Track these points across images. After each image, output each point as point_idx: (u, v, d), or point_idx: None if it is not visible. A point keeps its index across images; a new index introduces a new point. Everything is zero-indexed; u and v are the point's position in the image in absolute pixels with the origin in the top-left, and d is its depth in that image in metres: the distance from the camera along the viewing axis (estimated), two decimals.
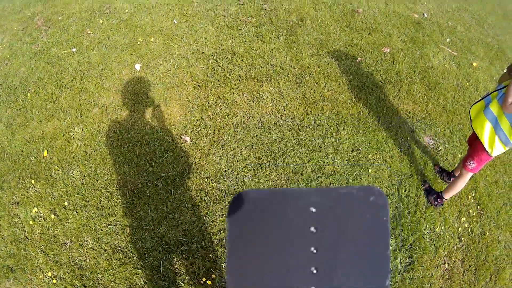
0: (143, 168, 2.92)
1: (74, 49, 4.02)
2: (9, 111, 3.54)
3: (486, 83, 4.28)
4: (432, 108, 3.68)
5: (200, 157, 2.96)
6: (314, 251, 0.44)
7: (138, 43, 3.99)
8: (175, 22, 4.27)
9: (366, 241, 0.45)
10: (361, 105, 3.48)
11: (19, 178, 2.95)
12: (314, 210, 0.45)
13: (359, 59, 3.94)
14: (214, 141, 3.06)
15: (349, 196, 0.46)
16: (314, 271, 0.44)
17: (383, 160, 3.15)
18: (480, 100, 2.37)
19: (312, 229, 0.45)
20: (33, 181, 2.91)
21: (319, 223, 0.45)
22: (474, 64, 4.52)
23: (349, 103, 3.46)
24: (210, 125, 3.17)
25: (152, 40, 4.02)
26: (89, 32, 4.24)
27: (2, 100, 3.67)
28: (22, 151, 3.15)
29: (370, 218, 0.45)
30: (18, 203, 2.81)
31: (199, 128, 3.16)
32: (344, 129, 3.25)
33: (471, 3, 6.44)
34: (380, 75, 3.84)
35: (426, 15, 5.18)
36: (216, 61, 3.73)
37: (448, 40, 4.85)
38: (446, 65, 4.33)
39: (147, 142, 3.06)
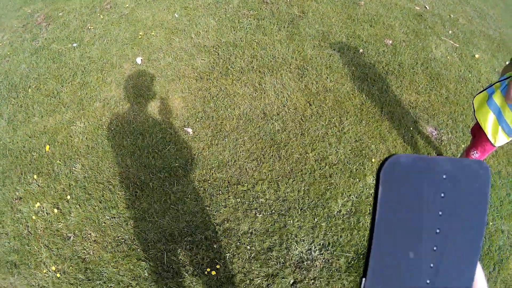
0: (146, 160, 2.90)
1: (75, 45, 4.00)
2: (10, 108, 3.52)
3: (488, 74, 4.25)
4: (435, 99, 3.65)
5: (203, 149, 2.94)
6: (440, 213, 0.50)
7: (139, 37, 3.96)
8: (176, 16, 4.24)
9: (472, 207, 0.51)
10: (363, 95, 3.45)
11: (22, 174, 2.94)
12: (445, 176, 0.50)
13: (361, 50, 3.91)
14: (216, 133, 3.04)
15: (468, 167, 0.51)
16: (438, 231, 0.50)
17: (386, 150, 3.12)
18: (483, 90, 2.36)
19: (442, 194, 0.50)
20: (35, 176, 2.89)
21: (447, 189, 0.50)
22: (476, 56, 4.49)
23: (352, 94, 3.43)
24: (212, 117, 3.15)
25: (153, 34, 3.99)
26: (89, 27, 4.22)
27: (3, 97, 3.66)
28: (24, 146, 3.13)
29: (477, 188, 0.51)
30: (20, 198, 2.80)
31: (202, 120, 3.14)
32: (347, 119, 3.22)
33: None
34: (383, 66, 3.81)
35: (428, 8, 5.15)
36: (218, 54, 3.70)
37: (450, 32, 4.82)
38: (448, 57, 4.30)
39: (149, 135, 3.03)
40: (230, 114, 3.15)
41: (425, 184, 0.49)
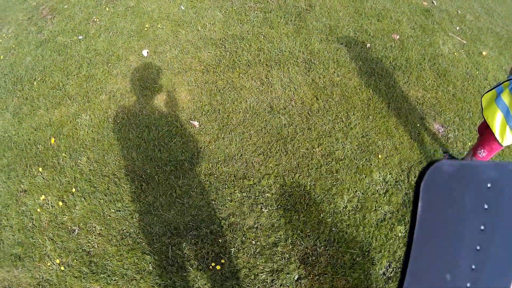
0: (152, 153, 2.85)
1: (80, 37, 3.95)
2: (15, 100, 3.49)
3: (495, 72, 4.18)
4: (442, 96, 3.59)
5: (209, 142, 2.90)
6: (483, 228, 0.44)
7: (145, 29, 3.91)
8: (182, 8, 4.18)
9: None
10: (371, 91, 3.39)
11: (27, 166, 2.91)
12: (489, 185, 0.44)
13: (368, 45, 3.84)
14: (223, 126, 2.99)
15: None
16: (478, 248, 0.44)
17: (393, 146, 3.07)
18: (492, 89, 2.33)
19: (485, 205, 0.44)
20: (40, 169, 2.86)
21: (491, 199, 0.44)
22: (484, 53, 4.42)
23: (359, 89, 3.37)
24: (219, 110, 3.10)
25: (159, 26, 3.93)
26: (95, 19, 4.16)
27: (8, 90, 3.63)
28: (29, 139, 3.10)
29: None
30: (25, 191, 2.77)
31: (208, 113, 3.09)
32: (354, 114, 3.16)
33: None
34: (390, 62, 3.75)
35: (435, 3, 5.07)
36: (225, 47, 3.65)
37: (457, 28, 4.74)
38: (455, 53, 4.23)
39: (155, 128, 2.99)
40: (236, 108, 3.10)
41: (467, 196, 0.44)
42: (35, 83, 3.61)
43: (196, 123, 3.01)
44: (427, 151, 3.11)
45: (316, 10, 4.24)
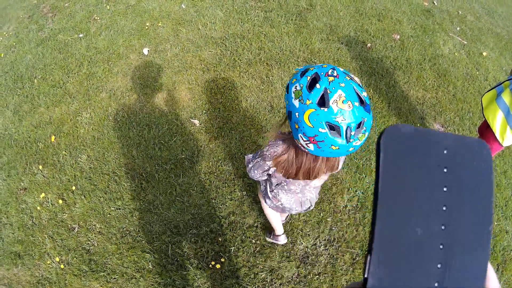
0: (152, 151, 2.85)
1: (81, 35, 3.94)
2: (16, 98, 3.48)
3: (495, 72, 4.17)
4: (442, 96, 3.58)
5: (209, 140, 2.89)
6: (445, 190, 0.47)
7: (146, 28, 3.89)
8: (183, 6, 4.17)
9: (479, 188, 0.49)
10: (371, 90, 3.38)
11: (27, 164, 2.90)
12: (446, 151, 0.48)
13: (369, 45, 3.83)
14: (223, 125, 2.98)
15: (470, 145, 0.50)
16: (444, 209, 0.47)
17: None
18: (492, 89, 2.32)
19: (445, 169, 0.47)
20: (40, 167, 2.85)
21: (450, 164, 0.47)
22: (484, 53, 4.41)
23: None
24: (219, 109, 3.09)
25: (160, 24, 3.92)
26: (96, 18, 4.15)
27: (9, 87, 3.62)
28: (29, 137, 3.09)
29: (483, 169, 0.49)
30: (25, 189, 2.76)
31: (208, 112, 3.08)
32: None
33: None
34: (390, 62, 3.74)
35: (436, 3, 5.06)
36: (225, 45, 3.63)
37: (458, 29, 4.73)
38: (456, 54, 4.22)
39: (156, 126, 2.98)
40: (237, 106, 3.08)
41: (426, 156, 0.47)
42: (35, 81, 3.60)
43: (196, 122, 3.00)
44: None
45: (317, 10, 4.23)
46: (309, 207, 1.83)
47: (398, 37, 4.06)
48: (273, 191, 1.74)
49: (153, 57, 3.54)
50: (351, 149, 1.11)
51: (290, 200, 1.73)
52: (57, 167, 2.87)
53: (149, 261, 2.34)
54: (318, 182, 1.65)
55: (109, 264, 2.34)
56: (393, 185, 0.46)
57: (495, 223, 2.77)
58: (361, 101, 1.06)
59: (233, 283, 2.26)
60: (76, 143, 3.00)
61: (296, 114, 1.09)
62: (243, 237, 2.42)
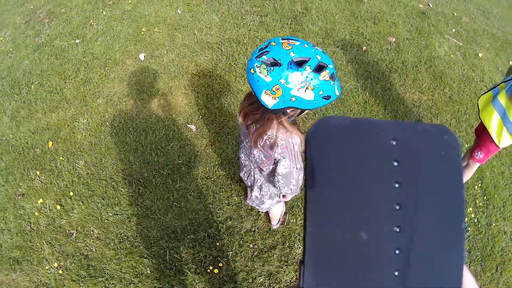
0: (149, 157, 2.87)
1: (77, 41, 3.96)
2: (13, 104, 3.49)
3: (491, 73, 4.21)
4: (438, 98, 3.62)
5: (206, 146, 2.91)
6: (397, 186, 0.41)
7: (142, 33, 3.92)
8: (179, 12, 4.20)
9: (443, 180, 0.42)
10: (367, 93, 3.42)
11: (24, 170, 2.92)
12: (394, 142, 0.42)
13: (364, 48, 3.86)
14: (219, 129, 3.00)
15: (425, 132, 0.43)
16: (397, 208, 0.40)
17: None
18: (488, 91, 2.34)
19: (394, 162, 0.41)
20: (38, 173, 2.87)
21: (400, 156, 0.42)
22: (480, 54, 4.45)
23: (355, 92, 3.40)
24: (215, 114, 3.11)
25: (156, 30, 3.95)
26: (92, 23, 4.17)
27: (6, 93, 3.63)
28: (26, 143, 3.11)
29: (444, 157, 0.43)
30: (23, 194, 2.78)
31: (205, 117, 3.10)
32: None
33: None
34: (386, 64, 3.77)
35: (431, 5, 5.10)
36: (221, 50, 3.66)
37: (453, 30, 4.77)
38: (451, 55, 4.26)
39: (153, 131, 3.00)
40: (233, 111, 3.11)
41: (368, 150, 0.41)
42: (32, 86, 3.61)
43: (193, 127, 3.03)
44: None
45: (312, 14, 4.26)
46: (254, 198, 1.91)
47: (394, 40, 4.09)
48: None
49: (149, 62, 3.56)
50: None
51: (244, 160, 1.82)
52: (54, 173, 2.89)
53: (147, 266, 2.36)
54: (258, 154, 1.60)
55: (107, 269, 2.36)
56: (324, 186, 0.41)
57: (494, 224, 2.80)
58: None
59: (231, 287, 2.28)
60: (73, 149, 3.02)
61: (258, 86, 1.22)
62: (241, 241, 2.44)
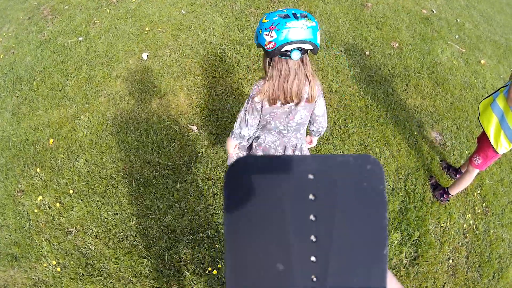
0: (150, 157, 2.88)
1: (80, 38, 3.97)
2: (14, 100, 3.51)
3: (493, 80, 4.24)
4: (440, 104, 3.64)
5: (207, 147, 2.92)
6: (313, 219, 0.42)
7: (146, 32, 3.94)
8: (183, 12, 4.22)
9: (364, 210, 0.43)
10: (369, 98, 3.43)
11: (24, 167, 2.93)
12: (312, 177, 0.43)
13: (367, 52, 3.88)
14: (221, 131, 3.02)
15: (346, 164, 0.44)
16: (314, 239, 0.42)
17: (390, 154, 3.11)
18: (490, 95, 2.35)
19: (311, 196, 0.42)
20: (38, 170, 2.88)
21: (317, 190, 0.43)
22: (482, 61, 4.48)
23: (357, 96, 3.41)
24: (217, 115, 3.12)
25: (159, 29, 3.96)
26: (96, 21, 4.19)
27: (7, 89, 3.65)
28: (27, 139, 3.12)
29: (367, 187, 0.43)
30: (23, 191, 2.79)
31: (207, 118, 3.11)
32: (352, 121, 3.20)
33: (480, 1, 6.39)
34: (389, 69, 3.79)
35: (434, 11, 5.12)
36: (224, 51, 3.68)
37: (456, 36, 4.80)
38: (454, 62, 4.28)
39: (154, 131, 3.02)
40: (235, 113, 3.11)
41: (284, 186, 0.43)
42: (34, 83, 3.63)
43: (194, 128, 3.04)
44: (424, 159, 3.15)
45: (316, 17, 4.27)
46: None
47: (397, 45, 4.11)
48: (258, 140, 1.95)
49: (152, 62, 3.58)
50: (304, 26, 1.47)
51: (275, 141, 1.91)
52: (54, 170, 2.90)
53: (146, 266, 2.37)
54: (302, 115, 1.79)
55: (106, 268, 2.37)
56: (242, 220, 0.42)
57: (492, 231, 2.82)
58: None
59: None
60: (74, 147, 3.03)
61: (259, 31, 1.53)
62: None
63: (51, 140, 3.09)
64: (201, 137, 2.98)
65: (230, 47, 3.72)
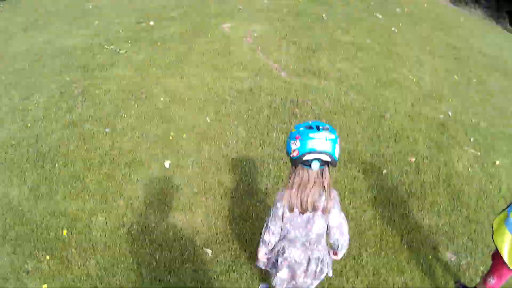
0: (161, 275, 2.87)
1: (107, 130, 4.10)
2: (35, 175, 3.59)
3: (509, 181, 4.24)
4: (455, 220, 3.60)
5: (220, 273, 2.90)
6: None
7: (170, 138, 4.04)
8: (208, 120, 4.33)
9: None
10: (384, 223, 3.42)
11: (34, 249, 2.94)
12: None
13: (384, 171, 3.91)
14: (235, 258, 2.99)
15: None
16: None
17: (403, 283, 3.06)
18: (503, 211, 2.32)
19: None
20: (48, 257, 2.88)
21: None
22: (497, 162, 4.51)
23: (373, 222, 3.40)
24: (232, 240, 3.12)
25: (184, 136, 4.06)
26: (123, 114, 4.34)
27: (30, 161, 3.75)
28: (41, 222, 3.15)
29: None
30: (28, 272, 2.78)
31: (222, 242, 3.11)
32: (366, 250, 3.18)
33: (493, 94, 6.53)
34: (405, 188, 3.80)
35: (450, 114, 5.23)
36: (245, 170, 3.71)
37: (471, 139, 4.88)
38: (470, 169, 4.31)
39: (168, 248, 3.02)
40: (250, 240, 3.11)
41: None
42: (56, 165, 3.71)
43: (209, 251, 3.04)
44: (438, 284, 3.08)
45: (337, 132, 4.34)
46: (321, 270, 2.03)
47: (414, 159, 4.15)
48: (283, 255, 1.99)
49: (174, 171, 3.64)
50: (325, 138, 1.64)
51: (300, 255, 1.97)
52: (64, 263, 2.91)
53: None
54: (320, 225, 1.88)
55: None
56: None
57: None
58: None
59: None
60: (87, 245, 3.05)
61: (288, 140, 1.73)
62: None
63: (65, 231, 3.12)
64: (215, 262, 2.96)
65: (250, 166, 3.76)
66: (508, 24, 18.01)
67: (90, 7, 8.47)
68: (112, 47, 6.11)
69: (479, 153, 4.64)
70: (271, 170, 3.70)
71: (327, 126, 1.69)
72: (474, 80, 6.74)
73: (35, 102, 4.75)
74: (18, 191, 3.44)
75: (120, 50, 6.00)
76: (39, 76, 5.45)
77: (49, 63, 5.74)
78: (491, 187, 4.11)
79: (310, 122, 1.70)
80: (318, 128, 1.64)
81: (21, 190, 3.42)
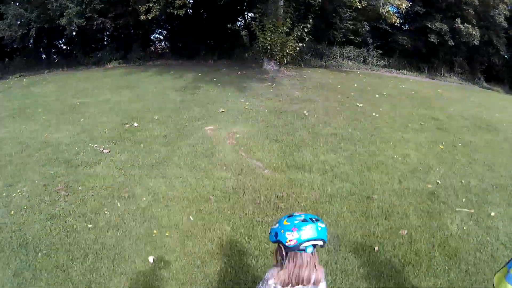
0: None
1: (90, 225, 4.18)
2: (18, 262, 3.61)
3: (506, 229, 4.32)
4: (454, 276, 3.58)
5: None
6: None
7: (153, 235, 4.07)
8: (191, 219, 4.38)
9: None
10: None
11: None
12: None
13: (376, 248, 3.93)
14: None
15: None
16: None
17: None
18: (504, 266, 2.29)
19: None
20: None
21: None
22: (492, 213, 4.61)
23: None
24: None
25: (167, 234, 4.08)
26: (106, 212, 4.44)
27: (13, 248, 3.79)
28: None
29: None
30: None
31: None
32: None
33: (478, 150, 6.91)
34: (399, 260, 3.79)
35: (440, 182, 5.40)
36: (231, 263, 3.69)
37: (463, 200, 4.99)
38: (464, 228, 4.35)
39: None
40: None
41: None
42: (39, 254, 3.73)
43: None
44: None
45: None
46: None
47: (406, 232, 4.19)
48: None
49: (159, 266, 3.61)
50: (319, 228, 1.95)
51: None
52: None
53: None
54: None
55: None
56: None
57: None
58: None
59: None
60: None
61: (281, 230, 1.96)
62: None
63: None
64: None
65: (236, 259, 3.73)
66: (484, 83, 19.23)
67: (78, 103, 9.05)
68: (96, 145, 6.42)
69: (472, 211, 4.71)
70: (258, 261, 3.68)
71: (317, 217, 2.01)
72: (459, 144, 7.09)
73: (18, 190, 4.88)
74: (2, 274, 3.44)
75: (104, 149, 6.29)
76: (24, 165, 5.64)
77: (34, 154, 5.98)
78: (488, 238, 4.16)
79: (303, 216, 1.99)
80: (312, 220, 1.96)
81: (5, 274, 3.44)
